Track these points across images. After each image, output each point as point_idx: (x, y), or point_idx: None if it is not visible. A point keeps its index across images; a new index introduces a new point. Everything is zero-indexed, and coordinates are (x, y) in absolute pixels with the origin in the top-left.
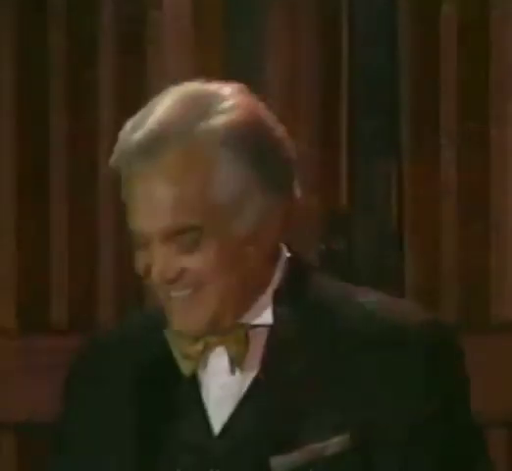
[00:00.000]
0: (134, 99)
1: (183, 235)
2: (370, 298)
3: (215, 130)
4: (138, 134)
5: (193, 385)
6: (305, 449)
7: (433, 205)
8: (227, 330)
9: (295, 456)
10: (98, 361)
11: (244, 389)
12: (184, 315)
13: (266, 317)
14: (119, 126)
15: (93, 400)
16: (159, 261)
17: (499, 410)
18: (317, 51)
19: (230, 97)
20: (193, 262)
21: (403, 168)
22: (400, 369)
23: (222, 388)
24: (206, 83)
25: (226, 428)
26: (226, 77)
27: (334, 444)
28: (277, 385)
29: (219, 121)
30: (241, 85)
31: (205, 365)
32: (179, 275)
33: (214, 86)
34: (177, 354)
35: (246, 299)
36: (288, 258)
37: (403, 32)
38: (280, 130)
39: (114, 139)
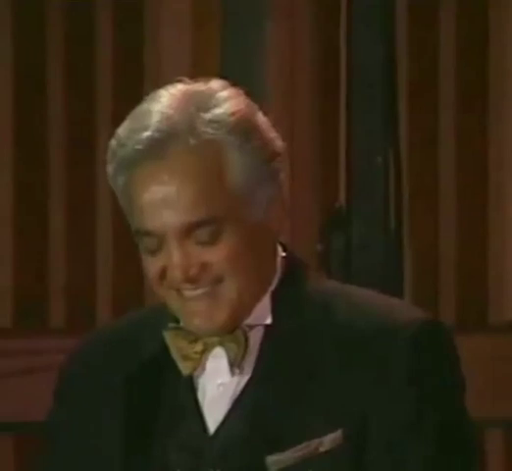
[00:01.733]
0: (131, 100)
1: (203, 229)
2: (364, 296)
3: (219, 119)
4: (144, 135)
5: (189, 385)
6: (299, 447)
7: (431, 204)
8: (231, 329)
9: (289, 454)
10: (92, 360)
11: (240, 388)
12: (206, 313)
13: (265, 317)
14: (117, 123)
15: (85, 401)
16: (180, 258)
17: (497, 410)
18: (315, 48)
19: (221, 90)
20: (214, 255)
21: (402, 166)
22: (392, 366)
23: (219, 388)
24: (191, 82)
25: (220, 428)
26: (223, 74)
27: (328, 441)
28: (271, 383)
29: (220, 110)
30: (224, 81)
31: (203, 366)
32: (201, 270)
33: (200, 83)
34: (175, 355)
35: (261, 293)
36: (283, 257)
37: (401, 27)
38: (268, 123)
39: (113, 134)
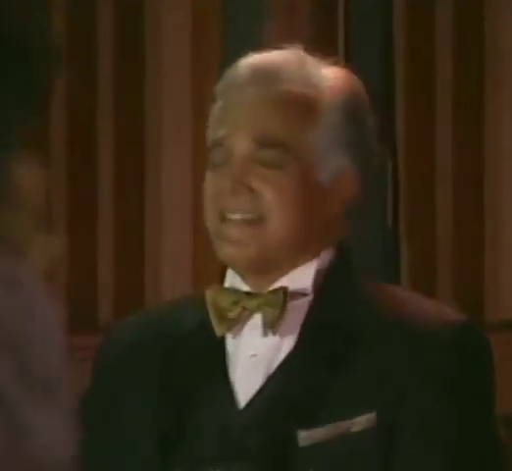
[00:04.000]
0: (132, 98)
1: (268, 151)
2: (407, 295)
3: (328, 78)
4: (259, 62)
5: (221, 358)
6: (332, 425)
7: (428, 203)
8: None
9: (322, 431)
10: (128, 339)
11: (275, 363)
12: (241, 242)
13: (305, 287)
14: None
15: (120, 376)
16: (238, 170)
17: (497, 407)
18: (313, 52)
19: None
20: (269, 186)
21: (398, 164)
22: (431, 361)
23: (251, 359)
24: None
25: (251, 401)
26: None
27: (362, 421)
28: (309, 360)
29: (329, 73)
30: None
31: (239, 337)
32: (251, 195)
33: None
34: (212, 314)
35: (301, 249)
36: (338, 248)
37: (398, 27)
38: (373, 124)
39: (114, 131)
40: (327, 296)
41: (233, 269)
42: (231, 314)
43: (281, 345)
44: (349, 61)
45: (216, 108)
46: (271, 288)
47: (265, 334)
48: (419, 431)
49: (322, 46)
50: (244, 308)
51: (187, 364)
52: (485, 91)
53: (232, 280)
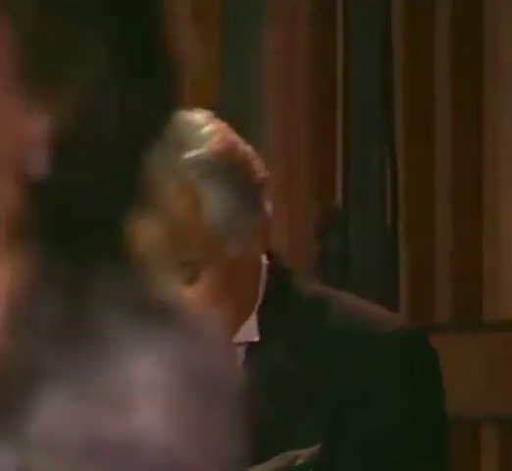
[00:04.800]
0: None
1: (182, 270)
2: (346, 302)
3: (196, 162)
4: None
5: None
6: (277, 458)
7: (427, 204)
8: None
9: (269, 465)
10: None
11: None
12: None
13: (252, 334)
14: None
15: None
16: None
17: (491, 406)
18: (313, 52)
19: (203, 125)
20: (193, 293)
21: (397, 167)
22: (374, 372)
23: None
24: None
25: None
26: (221, 75)
27: (306, 454)
28: (251, 397)
29: (197, 152)
30: (209, 112)
31: None
32: None
33: (184, 116)
34: None
35: (242, 321)
36: (267, 266)
37: (397, 27)
38: (250, 152)
39: None
40: (267, 331)
41: None
42: None
43: None
44: (349, 61)
45: None
46: None
47: None
48: (369, 437)
49: (322, 45)
50: None
51: None
52: (484, 91)
53: None
